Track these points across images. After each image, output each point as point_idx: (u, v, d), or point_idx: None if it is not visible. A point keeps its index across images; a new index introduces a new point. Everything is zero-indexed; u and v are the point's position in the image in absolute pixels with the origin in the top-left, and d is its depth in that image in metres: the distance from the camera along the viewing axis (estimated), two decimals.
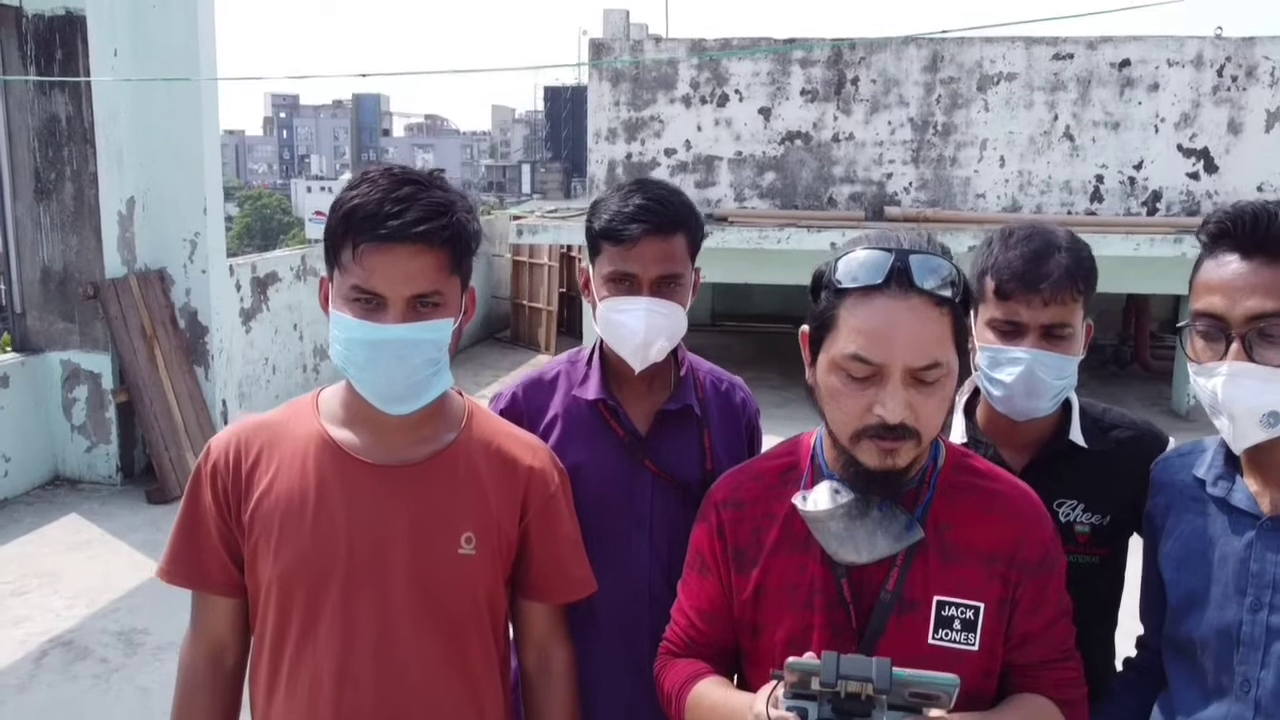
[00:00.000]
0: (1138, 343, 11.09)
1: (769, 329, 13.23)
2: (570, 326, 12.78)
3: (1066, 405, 1.88)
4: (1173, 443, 1.89)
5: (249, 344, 7.75)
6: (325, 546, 1.57)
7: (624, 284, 1.87)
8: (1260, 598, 1.47)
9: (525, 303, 13.00)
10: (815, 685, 1.28)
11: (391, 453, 1.62)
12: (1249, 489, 1.53)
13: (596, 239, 1.90)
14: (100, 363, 6.75)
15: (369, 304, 1.53)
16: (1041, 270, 1.76)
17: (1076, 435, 1.85)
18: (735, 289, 12.58)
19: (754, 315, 13.66)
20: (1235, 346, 1.43)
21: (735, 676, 1.67)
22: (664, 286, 1.87)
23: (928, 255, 1.43)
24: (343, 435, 1.63)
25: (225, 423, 7.32)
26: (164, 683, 4.36)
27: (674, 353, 1.96)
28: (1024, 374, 1.76)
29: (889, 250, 1.43)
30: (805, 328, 1.54)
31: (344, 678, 1.57)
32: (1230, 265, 1.47)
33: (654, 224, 1.85)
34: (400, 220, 1.50)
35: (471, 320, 1.69)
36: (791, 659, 1.30)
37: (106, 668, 4.53)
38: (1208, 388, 1.46)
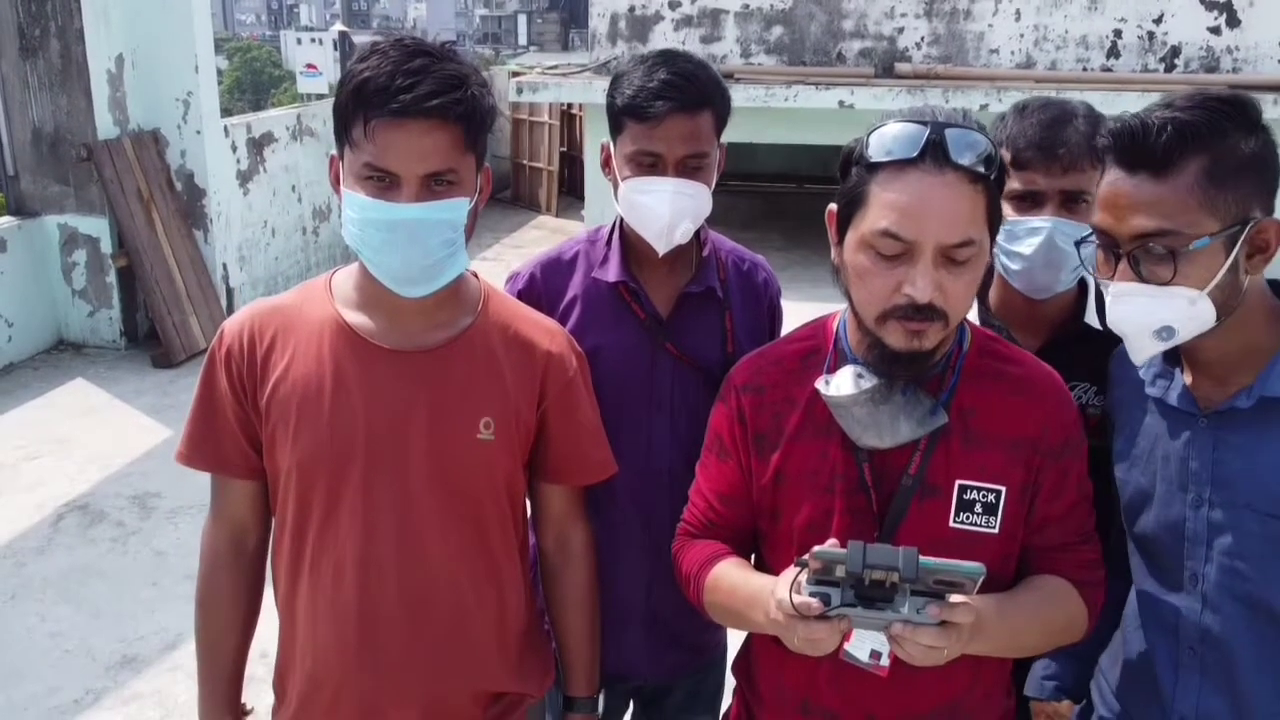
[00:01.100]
0: None
1: (773, 188, 13.04)
2: (572, 186, 12.60)
3: (1081, 287, 1.84)
4: None
5: (247, 207, 7.64)
6: (344, 434, 1.56)
7: (648, 164, 1.80)
8: (1200, 494, 1.47)
9: (525, 162, 12.78)
10: (839, 573, 1.28)
11: (408, 338, 1.59)
12: (1185, 387, 1.50)
13: (619, 115, 1.82)
14: (98, 226, 6.66)
15: (382, 182, 1.48)
16: (1059, 136, 1.73)
17: (1091, 318, 1.83)
18: (739, 148, 12.32)
19: (758, 175, 13.44)
20: (1122, 265, 1.39)
21: (753, 558, 1.68)
22: (690, 166, 1.80)
23: (964, 130, 1.38)
24: (358, 320, 1.60)
25: (227, 287, 7.29)
26: (179, 546, 4.46)
27: (696, 232, 1.91)
28: (1044, 244, 1.73)
29: (924, 123, 1.38)
30: (832, 206, 1.49)
31: (366, 563, 1.58)
32: (1116, 182, 1.40)
33: (680, 101, 1.77)
34: (413, 94, 1.44)
35: (488, 199, 1.64)
36: (817, 547, 1.30)
37: (123, 531, 4.62)
38: (1107, 303, 1.43)
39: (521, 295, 1.90)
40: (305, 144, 8.43)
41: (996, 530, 1.49)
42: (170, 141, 6.96)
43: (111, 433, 5.66)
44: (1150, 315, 1.38)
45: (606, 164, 1.90)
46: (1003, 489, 1.49)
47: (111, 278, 6.73)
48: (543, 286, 1.91)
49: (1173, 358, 1.53)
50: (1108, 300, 1.43)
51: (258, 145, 7.76)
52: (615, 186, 1.87)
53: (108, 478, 5.13)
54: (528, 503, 1.78)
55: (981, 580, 1.28)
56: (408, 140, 1.45)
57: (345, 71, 1.51)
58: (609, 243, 1.92)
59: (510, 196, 12.99)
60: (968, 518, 1.49)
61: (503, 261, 9.45)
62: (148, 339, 6.94)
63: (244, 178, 7.60)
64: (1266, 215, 1.38)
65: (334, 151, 1.56)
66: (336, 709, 1.61)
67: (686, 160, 1.80)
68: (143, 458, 5.36)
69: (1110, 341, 1.81)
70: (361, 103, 1.46)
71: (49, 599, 4.08)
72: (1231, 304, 1.40)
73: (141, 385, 6.32)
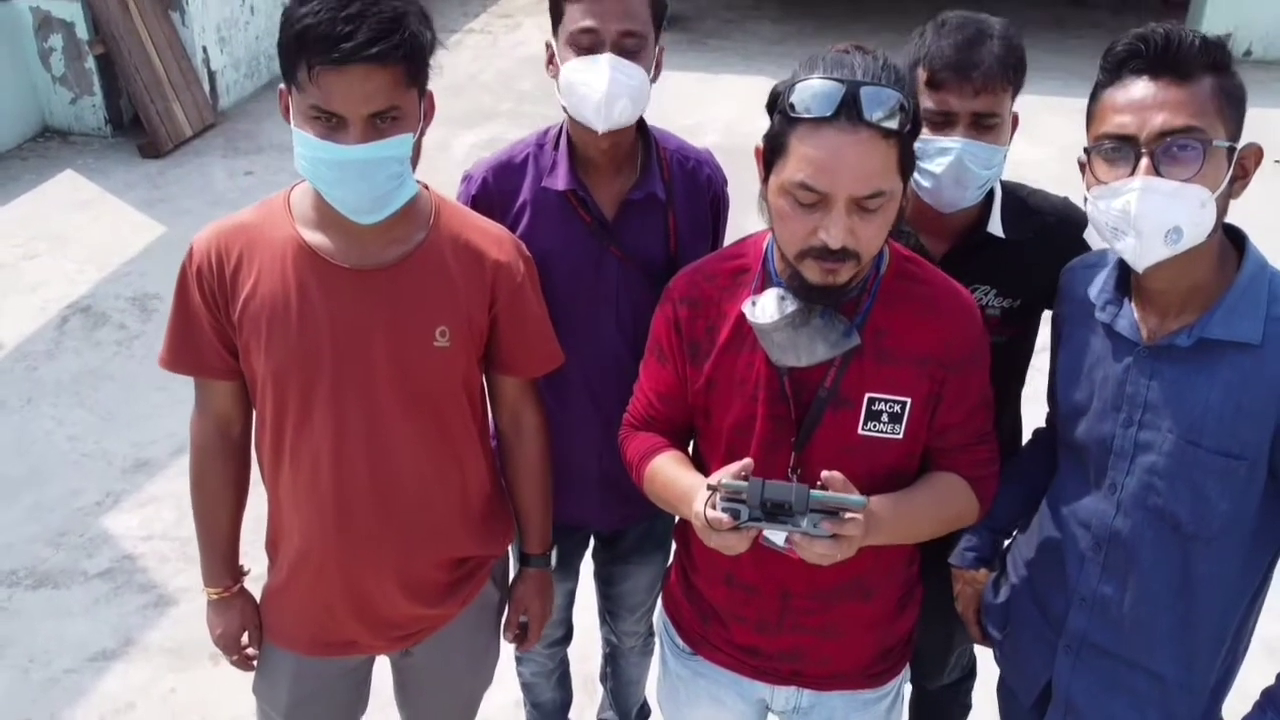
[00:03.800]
0: None
1: None
2: None
3: (989, 195, 1.94)
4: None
5: None
6: (311, 346, 1.72)
7: (586, 44, 1.87)
8: (1132, 416, 1.63)
9: None
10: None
11: (365, 256, 1.72)
12: (1133, 315, 1.63)
13: (560, 1, 1.89)
14: (71, 10, 6.49)
15: (329, 123, 1.57)
16: (974, 58, 1.78)
17: (995, 227, 1.94)
18: None
19: None
20: (1145, 163, 1.48)
21: (690, 447, 1.88)
22: (627, 47, 1.88)
23: (879, 88, 1.47)
24: (317, 240, 1.72)
25: (209, 71, 7.19)
26: None
27: (643, 135, 1.99)
28: (953, 164, 1.82)
29: (841, 81, 1.46)
30: (759, 144, 1.58)
31: (339, 457, 1.77)
32: (1139, 85, 1.50)
33: None
34: (353, 41, 1.51)
35: (431, 124, 1.72)
36: (724, 480, 1.49)
37: (126, 334, 4.83)
38: (1115, 207, 1.51)
39: (475, 198, 2.01)
40: None
41: (901, 436, 1.68)
42: None
43: (106, 229, 5.77)
44: (1167, 213, 1.47)
45: (550, 62, 1.96)
46: (908, 400, 1.66)
47: (90, 64, 6.62)
48: (495, 190, 2.02)
49: (1124, 288, 1.66)
50: (1129, 199, 1.48)
51: None
52: (558, 80, 1.93)
53: (106, 278, 5.29)
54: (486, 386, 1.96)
55: (866, 508, 1.49)
56: (350, 84, 1.54)
57: (286, 12, 1.57)
58: (556, 147, 2.00)
59: None
60: (875, 426, 1.67)
61: (489, 34, 9.20)
62: (134, 125, 6.90)
63: None
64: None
65: (282, 85, 1.64)
66: (322, 578, 1.85)
67: (624, 39, 1.87)
68: (139, 256, 5.50)
69: (1012, 248, 1.94)
70: (304, 49, 1.53)
71: (63, 403, 4.34)
72: (1219, 222, 1.52)
73: (131, 177, 6.36)
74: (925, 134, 1.82)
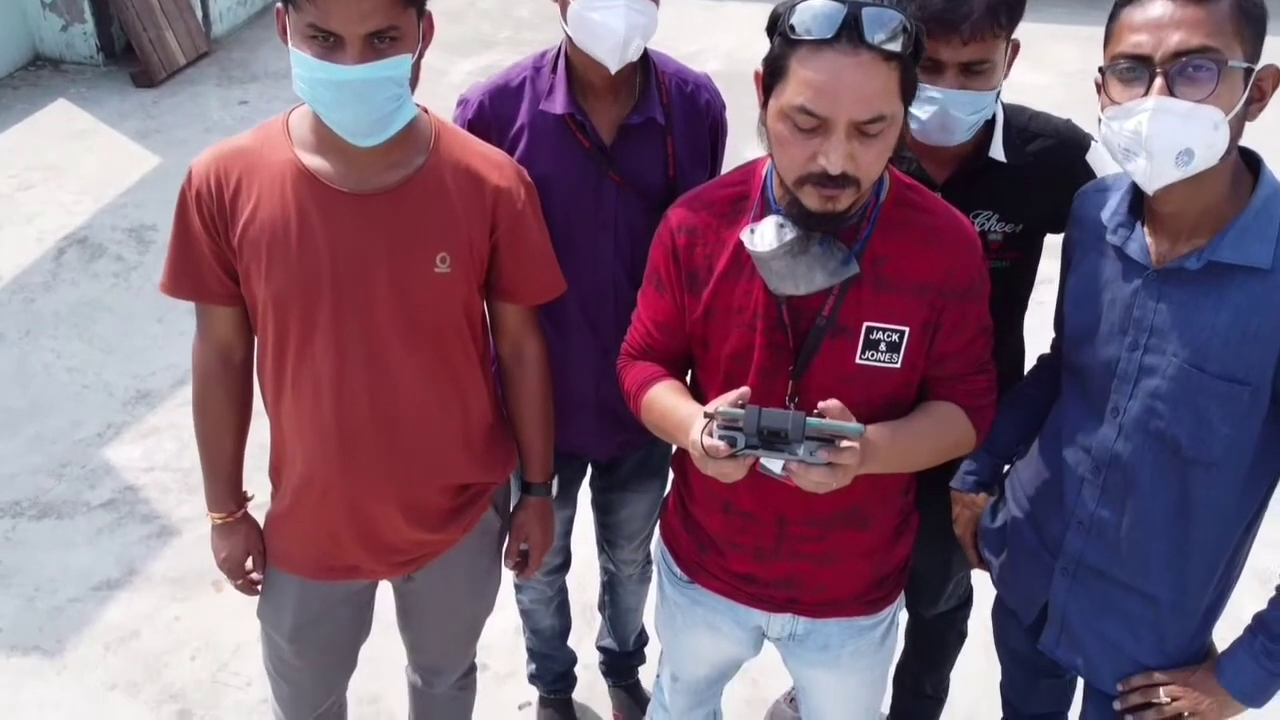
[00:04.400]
0: None
1: None
2: None
3: (990, 120, 1.90)
4: (1095, 147, 1.96)
5: None
6: (311, 271, 1.70)
7: None
8: (1138, 340, 1.63)
9: None
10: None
11: (364, 180, 1.70)
12: (1145, 239, 1.62)
13: None
14: None
15: (326, 42, 1.55)
16: (961, 10, 1.73)
17: (997, 151, 1.91)
18: None
19: None
20: (1159, 82, 1.46)
21: (689, 375, 1.88)
22: None
23: (880, 9, 1.45)
24: (316, 163, 1.70)
25: None
26: None
27: (642, 59, 1.96)
28: (938, 113, 1.80)
29: (842, 2, 1.44)
30: (759, 69, 1.56)
31: (341, 384, 1.77)
32: (1157, 4, 1.47)
33: None
34: None
35: (430, 45, 1.69)
36: (721, 408, 1.49)
37: (123, 265, 4.81)
38: (1127, 128, 1.49)
39: (471, 122, 1.98)
40: None
41: (899, 365, 1.67)
42: None
43: (100, 159, 5.71)
44: (1179, 134, 1.45)
45: None
46: (906, 329, 1.65)
47: None
48: (491, 115, 1.99)
49: (1136, 210, 1.64)
50: (1141, 119, 1.47)
51: None
52: (562, 8, 1.90)
53: (102, 209, 5.25)
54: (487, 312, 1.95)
55: (863, 436, 1.49)
56: (347, 2, 1.51)
57: None
58: (554, 70, 1.97)
59: None
60: (873, 355, 1.66)
61: None
62: (125, 54, 6.80)
63: None
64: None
65: (280, 4, 1.60)
66: (325, 503, 1.86)
67: None
68: (135, 187, 5.45)
69: (1013, 171, 1.92)
70: None
71: (62, 335, 4.34)
72: (1233, 145, 1.50)
73: (124, 107, 6.29)
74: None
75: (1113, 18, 1.55)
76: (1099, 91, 1.57)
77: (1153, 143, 1.46)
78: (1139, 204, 1.64)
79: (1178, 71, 1.45)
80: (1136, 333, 1.63)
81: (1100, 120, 1.56)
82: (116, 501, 3.55)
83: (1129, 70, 1.49)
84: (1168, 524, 1.67)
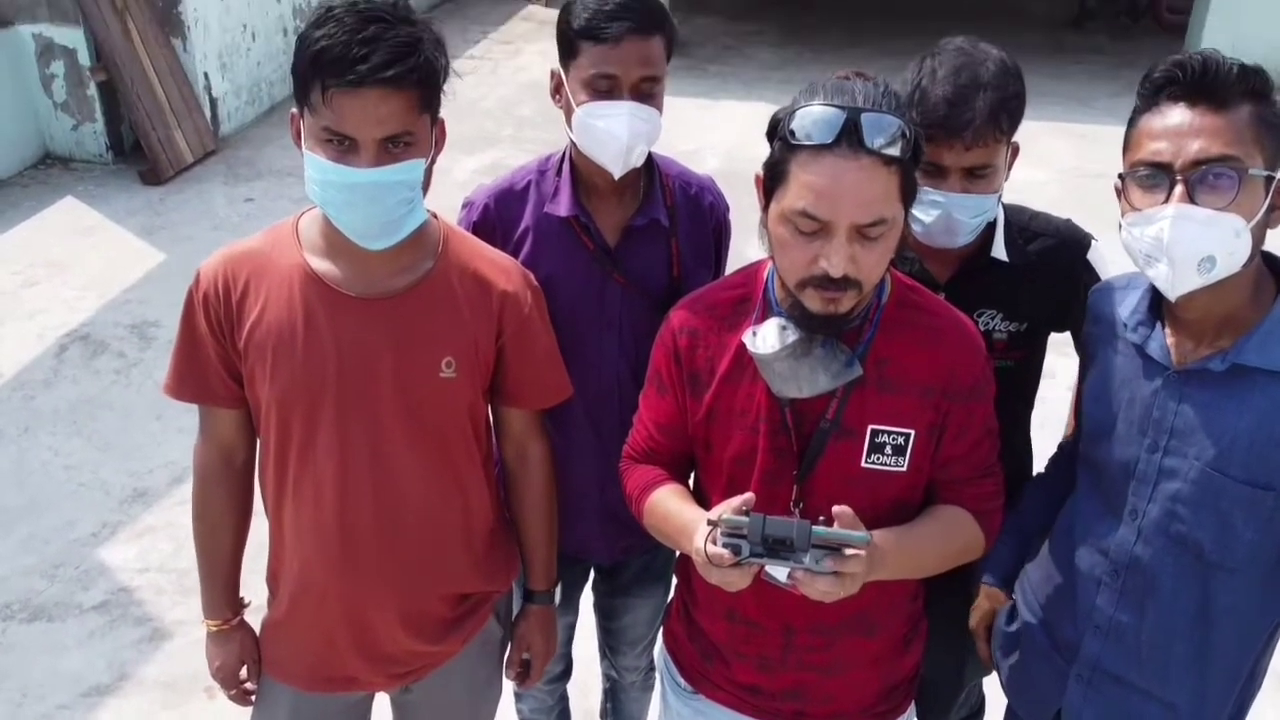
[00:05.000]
0: None
1: None
2: None
3: (992, 220, 1.92)
4: (1095, 246, 1.96)
5: (225, 10, 7.39)
6: (316, 374, 1.70)
7: (604, 88, 1.86)
8: (1158, 441, 1.61)
9: None
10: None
11: (372, 284, 1.70)
12: (1165, 339, 1.61)
13: (575, 39, 1.88)
14: (74, 37, 6.50)
15: (341, 145, 1.57)
16: (964, 117, 1.75)
17: (999, 251, 1.93)
18: None
19: None
20: (1180, 189, 1.46)
21: (691, 479, 1.85)
22: (644, 91, 1.88)
23: (879, 114, 1.46)
24: (324, 267, 1.71)
25: (210, 97, 7.19)
26: None
27: (646, 161, 1.98)
28: (942, 216, 1.82)
29: (842, 108, 1.45)
30: (759, 172, 1.57)
31: (343, 487, 1.75)
32: (1175, 112, 1.49)
33: (637, 23, 1.84)
34: (368, 64, 1.51)
35: (442, 151, 1.71)
36: (725, 516, 1.47)
37: (125, 362, 4.81)
38: (1148, 234, 1.50)
39: (476, 224, 2.00)
40: None
41: (904, 468, 1.65)
42: None
43: (105, 256, 5.75)
44: (1201, 241, 1.46)
45: (557, 91, 1.95)
46: (912, 432, 1.64)
47: (92, 90, 6.63)
48: (496, 217, 2.01)
49: (1156, 309, 1.64)
50: (1162, 226, 1.47)
51: None
52: (567, 114, 1.92)
53: (106, 305, 5.27)
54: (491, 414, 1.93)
55: (872, 539, 1.46)
56: (364, 107, 1.53)
57: (301, 35, 1.57)
58: (559, 173, 1.99)
59: None
60: (878, 459, 1.64)
61: (490, 60, 9.23)
62: (134, 151, 6.90)
63: None
64: None
65: (294, 109, 1.63)
66: (323, 610, 1.83)
67: (641, 83, 1.87)
68: (139, 284, 5.48)
69: (1016, 271, 1.92)
70: (318, 71, 1.53)
71: (60, 432, 4.32)
72: (1256, 251, 1.51)
73: (132, 204, 6.36)
74: (919, 181, 1.80)
75: (1131, 124, 1.56)
76: (1119, 196, 1.58)
77: (1174, 249, 1.47)
78: (1159, 303, 1.63)
79: (1198, 179, 1.46)
80: (1156, 434, 1.61)
81: (1120, 225, 1.57)
82: (109, 603, 3.48)
83: (1149, 177, 1.50)
84: (1189, 628, 1.63)
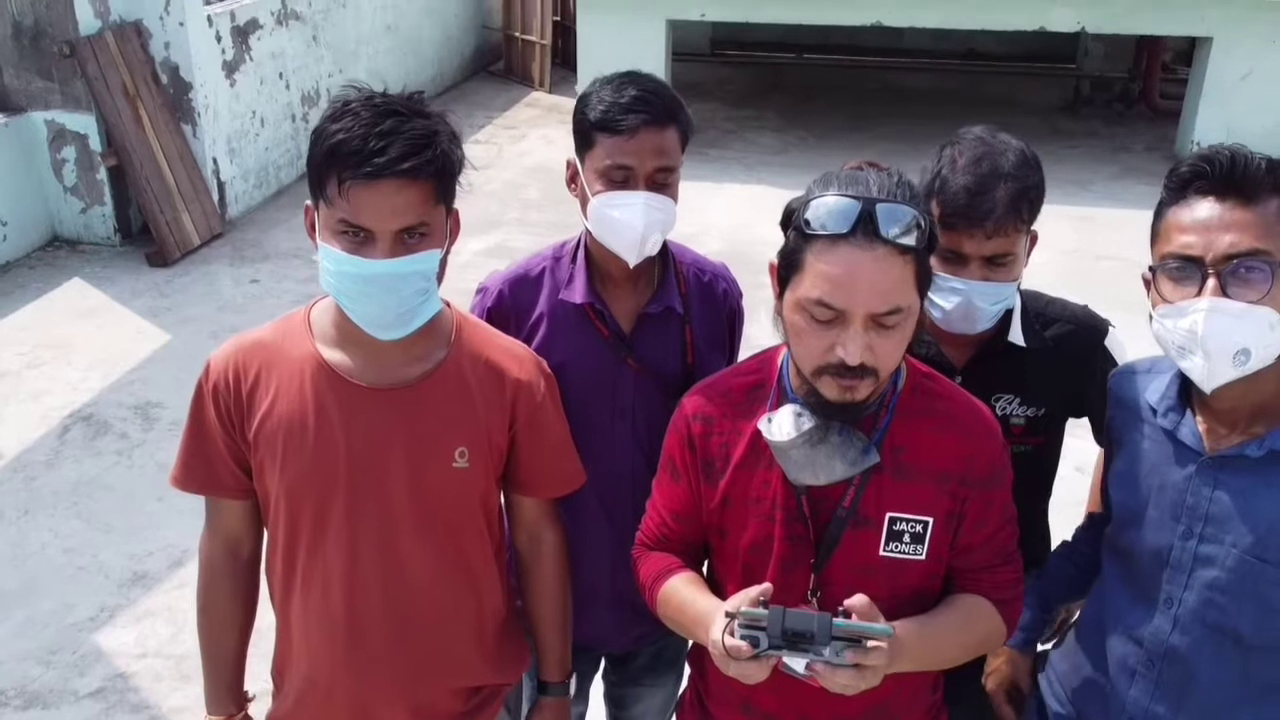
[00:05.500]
0: (1147, 83, 10.73)
1: (771, 58, 12.78)
2: (565, 58, 12.34)
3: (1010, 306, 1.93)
4: (1112, 333, 1.97)
5: (234, 97, 7.54)
6: (327, 466, 1.68)
7: (620, 178, 1.88)
8: (1192, 528, 1.60)
9: (517, 34, 12.48)
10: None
11: (384, 374, 1.70)
12: (1196, 425, 1.61)
13: (591, 131, 1.90)
14: (85, 123, 6.62)
15: (357, 237, 1.57)
16: (984, 207, 1.78)
17: (1016, 336, 1.94)
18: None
19: (755, 44, 13.14)
20: (1212, 283, 1.47)
21: (705, 566, 1.83)
22: (659, 181, 1.90)
23: (894, 205, 1.47)
24: (336, 358, 1.70)
25: (218, 181, 7.29)
26: None
27: (660, 249, 2.00)
28: (962, 304, 1.83)
29: (856, 198, 1.46)
30: (774, 260, 1.58)
31: (352, 579, 1.72)
32: (1205, 206, 1.51)
33: (651, 115, 1.86)
34: (385, 157, 1.52)
35: (457, 241, 1.72)
36: (744, 608, 1.45)
37: (127, 443, 4.79)
38: (1181, 327, 1.50)
39: (491, 310, 2.01)
40: (291, 28, 8.26)
41: (923, 557, 1.63)
42: (153, 34, 6.85)
43: (110, 337, 5.77)
44: (1235, 334, 1.46)
45: (573, 180, 1.97)
46: (930, 520, 1.62)
47: (102, 175, 6.72)
48: (510, 303, 2.01)
49: (1185, 396, 1.64)
50: (1196, 319, 1.48)
51: (242, 33, 7.61)
52: (583, 203, 1.94)
53: (109, 386, 5.27)
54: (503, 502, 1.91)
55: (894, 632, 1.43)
56: (380, 199, 1.54)
57: (317, 129, 1.58)
58: (574, 260, 2.00)
59: (502, 70, 12.74)
60: (896, 546, 1.62)
61: (495, 145, 9.38)
62: (142, 234, 6.97)
63: (230, 68, 7.48)
64: None
65: (309, 202, 1.64)
66: (329, 706, 1.79)
67: (656, 174, 1.89)
68: (143, 364, 5.49)
69: (1033, 356, 1.93)
70: (335, 164, 1.54)
71: (60, 514, 4.28)
72: None
73: (138, 286, 6.40)
74: (938, 268, 1.81)
75: (1158, 216, 1.58)
76: (1147, 288, 1.59)
77: (1209, 342, 1.48)
78: (1188, 388, 1.63)
79: (1230, 272, 1.47)
80: (1191, 520, 1.60)
81: (1152, 317, 1.57)
82: (106, 690, 3.42)
83: (1180, 269, 1.52)
84: (1228, 714, 1.60)
